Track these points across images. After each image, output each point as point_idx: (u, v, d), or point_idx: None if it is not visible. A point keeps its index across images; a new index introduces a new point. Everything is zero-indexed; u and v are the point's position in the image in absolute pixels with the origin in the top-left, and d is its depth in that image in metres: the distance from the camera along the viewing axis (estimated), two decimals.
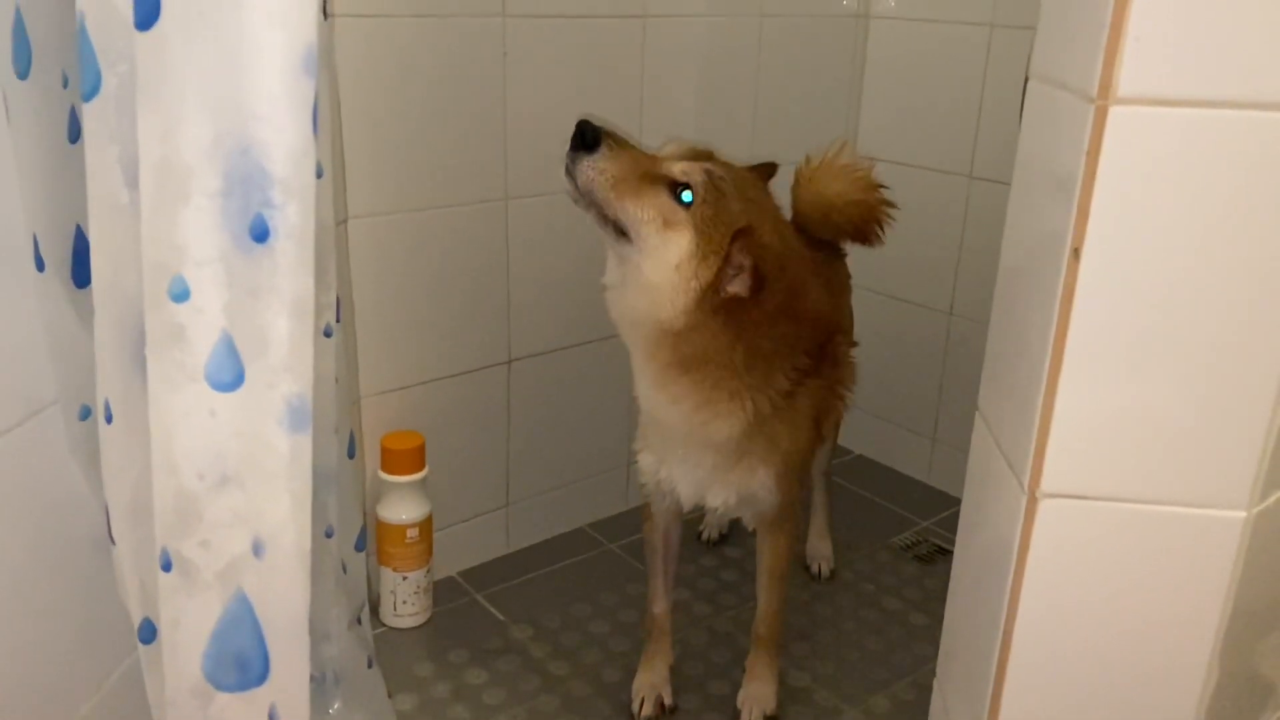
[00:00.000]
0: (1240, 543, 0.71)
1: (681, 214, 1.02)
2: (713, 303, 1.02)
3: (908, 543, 1.76)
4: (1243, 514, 0.70)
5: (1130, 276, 0.65)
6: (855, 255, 1.96)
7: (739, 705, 1.34)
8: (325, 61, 1.13)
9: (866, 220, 1.40)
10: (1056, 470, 0.70)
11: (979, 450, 0.84)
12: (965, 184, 1.76)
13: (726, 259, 1.01)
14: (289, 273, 0.64)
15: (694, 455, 1.17)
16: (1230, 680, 0.77)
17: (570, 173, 1.02)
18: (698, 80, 1.67)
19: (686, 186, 1.02)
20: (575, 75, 1.52)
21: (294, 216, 0.63)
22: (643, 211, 1.01)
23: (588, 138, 1.00)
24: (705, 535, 1.74)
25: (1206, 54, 0.61)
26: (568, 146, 1.02)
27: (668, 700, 1.35)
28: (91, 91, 0.69)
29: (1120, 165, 0.63)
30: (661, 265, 1.02)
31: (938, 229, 1.82)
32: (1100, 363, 0.67)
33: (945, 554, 1.70)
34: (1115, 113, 0.62)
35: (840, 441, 2.04)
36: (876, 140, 1.89)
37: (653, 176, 1.03)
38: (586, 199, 1.02)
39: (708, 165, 1.05)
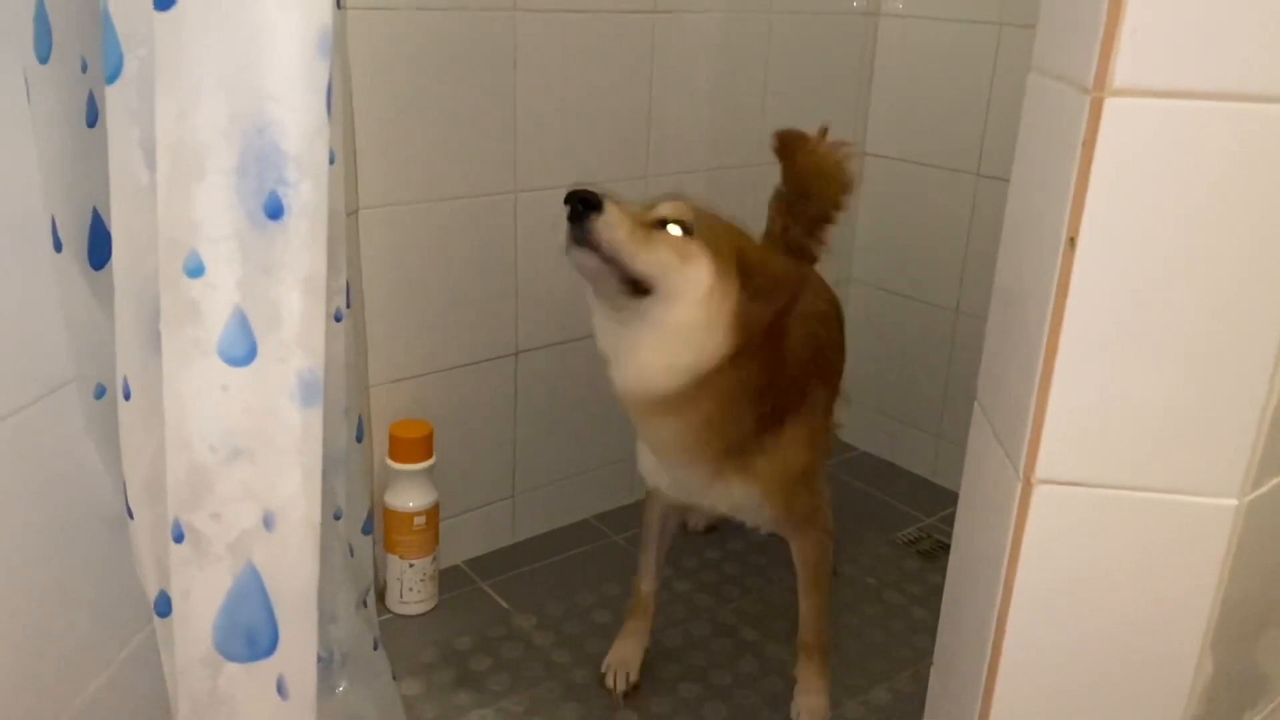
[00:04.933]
0: (1232, 530, 0.71)
1: (691, 245, 1.02)
2: (746, 322, 1.03)
3: (911, 538, 1.77)
4: (1234, 502, 0.71)
5: (1125, 266, 0.66)
6: (862, 252, 1.99)
7: (792, 718, 1.34)
8: (338, 53, 1.15)
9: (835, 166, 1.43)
10: (1051, 457, 0.71)
11: (976, 438, 0.85)
12: (973, 181, 1.77)
13: (744, 274, 1.03)
14: (302, 249, 0.66)
15: (680, 470, 1.20)
16: (1223, 669, 0.78)
17: (581, 242, 0.98)
18: (707, 76, 1.68)
19: (677, 224, 1.03)
20: (585, 70, 1.54)
21: (308, 194, 0.65)
22: (663, 254, 1.00)
23: (591, 202, 0.98)
24: (690, 525, 1.75)
25: (1202, 46, 0.62)
26: (566, 221, 0.99)
27: (633, 678, 1.38)
28: (114, 74, 0.70)
29: (1115, 156, 0.64)
30: (692, 301, 1.01)
31: (945, 226, 1.83)
32: (1095, 350, 0.68)
33: (948, 550, 1.71)
34: (1111, 104, 0.63)
35: (845, 438, 2.06)
36: (885, 138, 1.90)
37: (649, 222, 1.03)
38: (604, 259, 0.99)
39: (688, 203, 1.06)
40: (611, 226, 0.97)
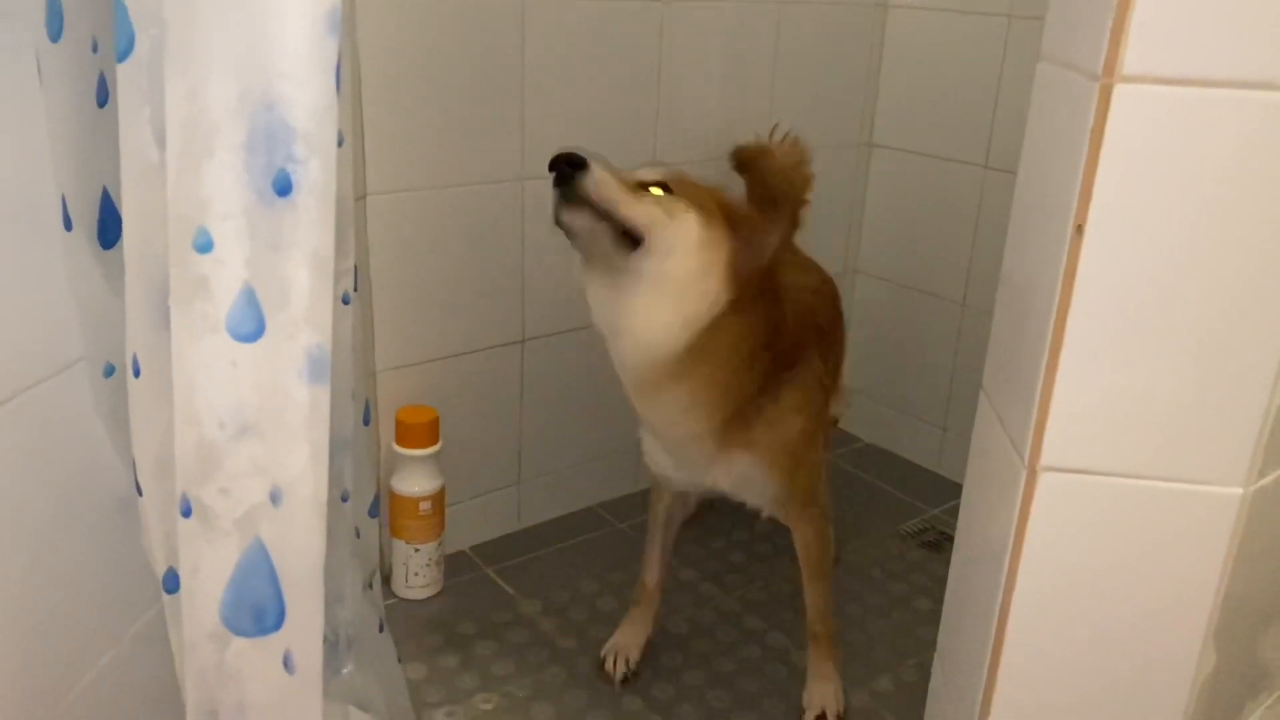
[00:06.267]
0: (1237, 520, 0.72)
1: (677, 201, 1.06)
2: (738, 271, 1.06)
3: (915, 529, 1.77)
4: (1239, 491, 0.71)
5: (1132, 253, 0.67)
6: (869, 244, 1.98)
7: (804, 707, 1.34)
8: (348, 37, 1.15)
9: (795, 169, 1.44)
10: (1056, 445, 0.72)
11: (981, 426, 0.86)
12: (980, 174, 1.77)
13: (730, 224, 1.07)
14: (310, 226, 0.66)
15: (683, 446, 1.21)
16: (1226, 660, 0.78)
17: (570, 201, 1.02)
18: (715, 66, 1.68)
19: (659, 185, 1.07)
20: (593, 58, 1.54)
21: (316, 172, 0.65)
22: (651, 208, 1.04)
23: (576, 162, 1.03)
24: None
25: (1211, 34, 0.62)
26: (553, 188, 1.03)
27: (632, 664, 1.39)
28: (125, 53, 0.71)
29: (1124, 143, 0.64)
30: (684, 251, 1.04)
31: (952, 219, 1.83)
32: (1101, 337, 0.68)
33: (952, 541, 1.71)
34: (1120, 91, 0.63)
35: (851, 429, 2.06)
36: (893, 129, 1.90)
37: (633, 185, 1.06)
38: (596, 215, 1.03)
39: (667, 169, 1.10)
40: (600, 182, 1.02)
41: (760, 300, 1.10)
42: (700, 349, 1.07)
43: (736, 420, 1.15)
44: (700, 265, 1.05)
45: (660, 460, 1.26)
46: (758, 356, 1.12)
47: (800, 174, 1.40)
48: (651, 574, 1.40)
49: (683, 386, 1.10)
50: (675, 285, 1.05)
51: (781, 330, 1.15)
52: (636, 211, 1.03)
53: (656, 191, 1.06)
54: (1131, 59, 0.62)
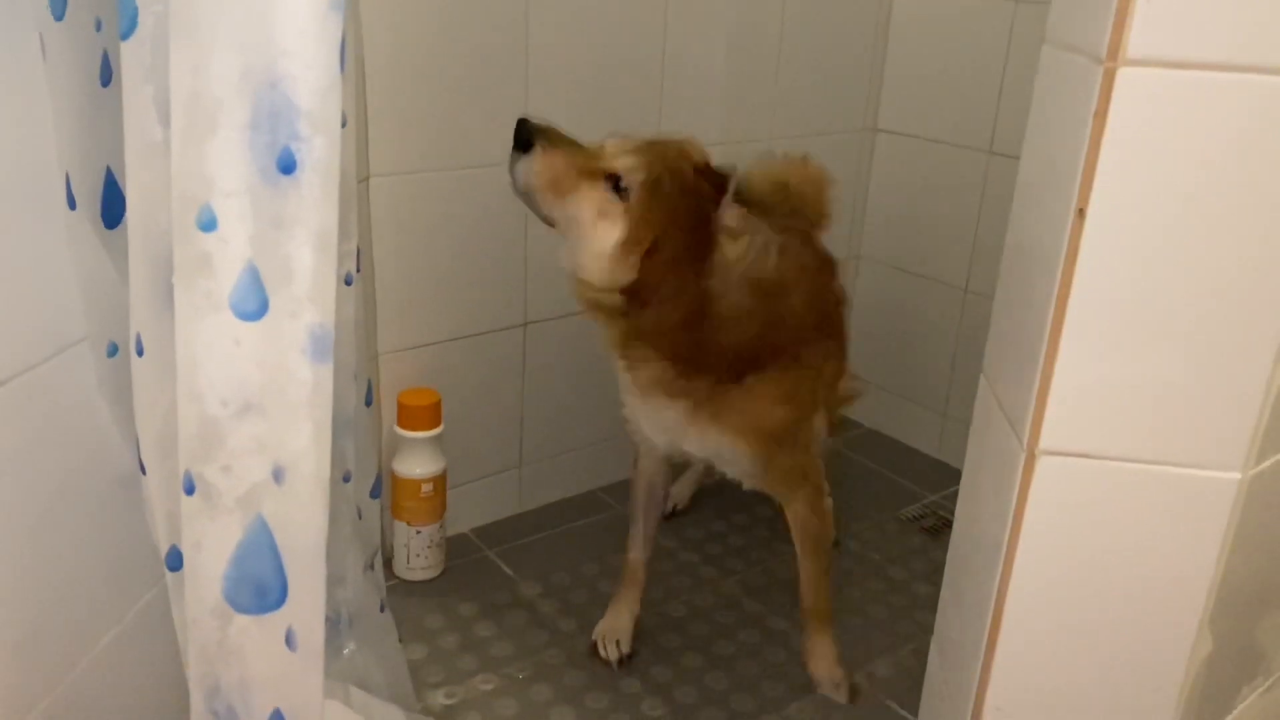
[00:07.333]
0: (1234, 504, 0.72)
1: (617, 207, 1.06)
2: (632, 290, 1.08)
3: (915, 515, 1.78)
4: (1237, 476, 0.71)
5: (1133, 237, 0.67)
6: (872, 229, 1.98)
7: (815, 683, 1.35)
8: (351, 18, 1.15)
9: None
10: (1055, 428, 0.72)
11: (981, 410, 0.86)
12: (984, 159, 1.77)
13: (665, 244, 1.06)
14: (314, 205, 0.66)
15: (659, 408, 1.21)
16: (1222, 645, 0.78)
17: (511, 171, 1.08)
18: (720, 50, 1.67)
19: (617, 187, 1.07)
20: (597, 40, 1.53)
21: (320, 150, 0.65)
22: (575, 209, 1.07)
23: (522, 137, 1.06)
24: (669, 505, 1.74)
25: (1217, 17, 0.61)
26: (511, 147, 1.08)
27: (625, 649, 1.39)
28: (128, 30, 0.71)
29: (1127, 126, 0.64)
30: (592, 255, 1.08)
31: (955, 204, 1.83)
32: (1102, 321, 0.69)
33: (952, 526, 1.72)
34: (1124, 74, 0.63)
35: (852, 414, 2.06)
36: (897, 114, 1.90)
37: (590, 171, 1.07)
38: (524, 197, 1.09)
39: (652, 163, 1.08)
40: (533, 173, 1.07)
41: (686, 293, 1.08)
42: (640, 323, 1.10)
43: (699, 394, 1.15)
44: (605, 269, 1.08)
45: (639, 423, 1.27)
46: (688, 341, 1.11)
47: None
48: (637, 551, 1.40)
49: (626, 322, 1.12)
50: (586, 272, 1.09)
51: (744, 321, 1.11)
52: (555, 212, 1.08)
53: (607, 188, 1.07)
54: (1136, 42, 0.62)
